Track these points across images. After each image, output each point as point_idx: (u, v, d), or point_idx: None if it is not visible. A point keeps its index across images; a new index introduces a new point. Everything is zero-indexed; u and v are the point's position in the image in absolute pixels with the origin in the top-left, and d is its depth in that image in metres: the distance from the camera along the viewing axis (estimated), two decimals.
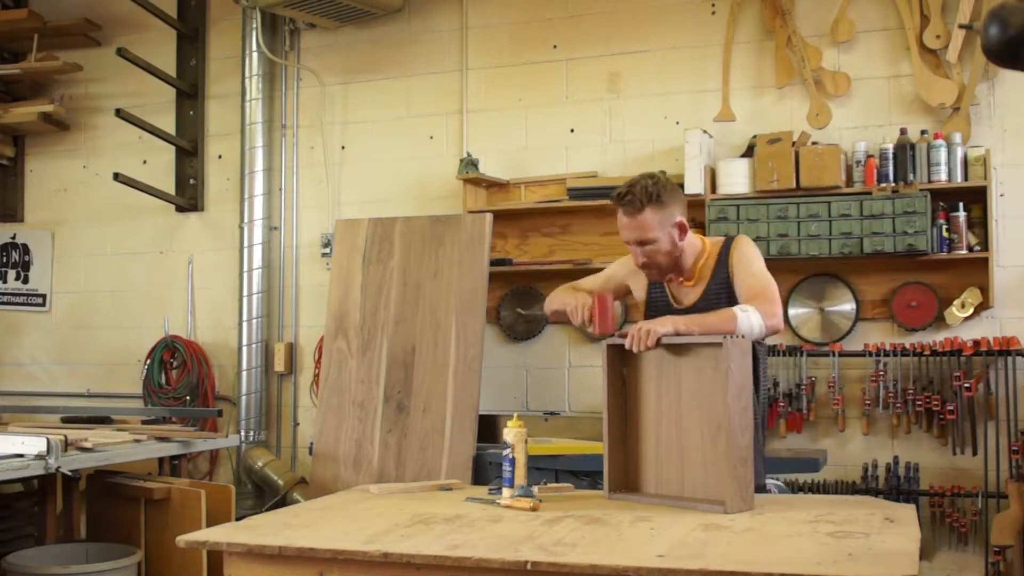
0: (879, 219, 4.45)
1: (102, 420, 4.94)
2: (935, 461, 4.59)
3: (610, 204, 2.97)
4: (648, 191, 2.88)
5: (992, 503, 4.41)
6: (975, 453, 4.47)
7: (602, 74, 5.22)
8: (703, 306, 2.94)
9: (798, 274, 4.77)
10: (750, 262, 2.94)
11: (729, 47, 4.98)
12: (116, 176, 5.58)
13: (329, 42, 5.73)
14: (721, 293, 2.95)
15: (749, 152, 4.78)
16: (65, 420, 4.99)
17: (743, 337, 2.60)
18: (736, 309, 2.75)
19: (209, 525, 3.67)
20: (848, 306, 4.76)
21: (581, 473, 4.25)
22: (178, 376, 5.82)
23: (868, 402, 4.63)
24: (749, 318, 2.72)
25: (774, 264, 3.03)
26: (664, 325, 2.65)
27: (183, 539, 2.38)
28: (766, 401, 3.11)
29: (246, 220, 5.70)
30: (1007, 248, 4.56)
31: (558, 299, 3.18)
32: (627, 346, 2.68)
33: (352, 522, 2.51)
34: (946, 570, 4.53)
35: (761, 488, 2.99)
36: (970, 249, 4.49)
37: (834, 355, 4.68)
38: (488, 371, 5.00)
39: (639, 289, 3.15)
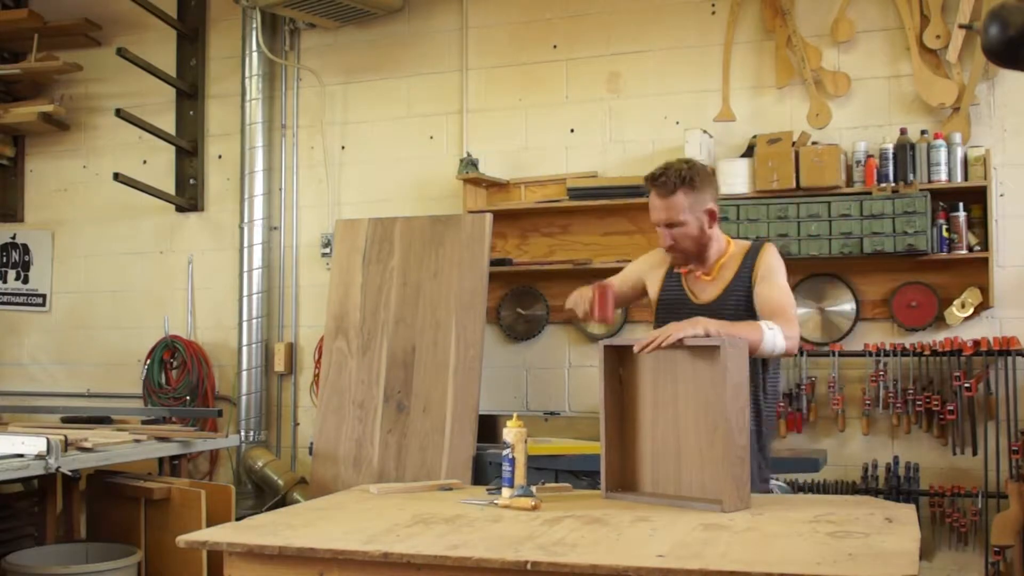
0: (879, 219, 4.45)
1: (102, 420, 4.94)
2: (935, 461, 4.59)
3: (643, 185, 3.00)
4: (682, 174, 2.91)
5: (992, 503, 4.41)
6: (975, 453, 4.47)
7: (602, 74, 5.22)
8: (719, 304, 2.94)
9: (798, 274, 4.77)
10: (776, 274, 2.95)
11: (729, 47, 4.98)
12: (116, 176, 5.58)
13: (329, 42, 5.73)
14: (740, 295, 2.95)
15: (749, 152, 4.78)
16: (65, 420, 4.99)
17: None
18: (763, 324, 2.75)
19: (209, 525, 3.67)
20: (848, 306, 4.76)
21: (581, 473, 4.25)
22: (178, 376, 5.82)
23: (868, 402, 4.63)
24: (775, 337, 2.74)
25: None
26: (696, 327, 2.62)
27: (183, 539, 2.38)
28: (774, 401, 3.09)
29: (246, 220, 5.70)
30: (1007, 248, 4.56)
31: (571, 298, 3.19)
32: (649, 349, 2.63)
33: (352, 522, 2.51)
34: (946, 570, 4.53)
35: (765, 487, 3.00)
36: (970, 249, 4.49)
37: (834, 355, 4.68)
38: (488, 371, 5.00)
39: (653, 284, 3.14)
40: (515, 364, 5.29)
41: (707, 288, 3.02)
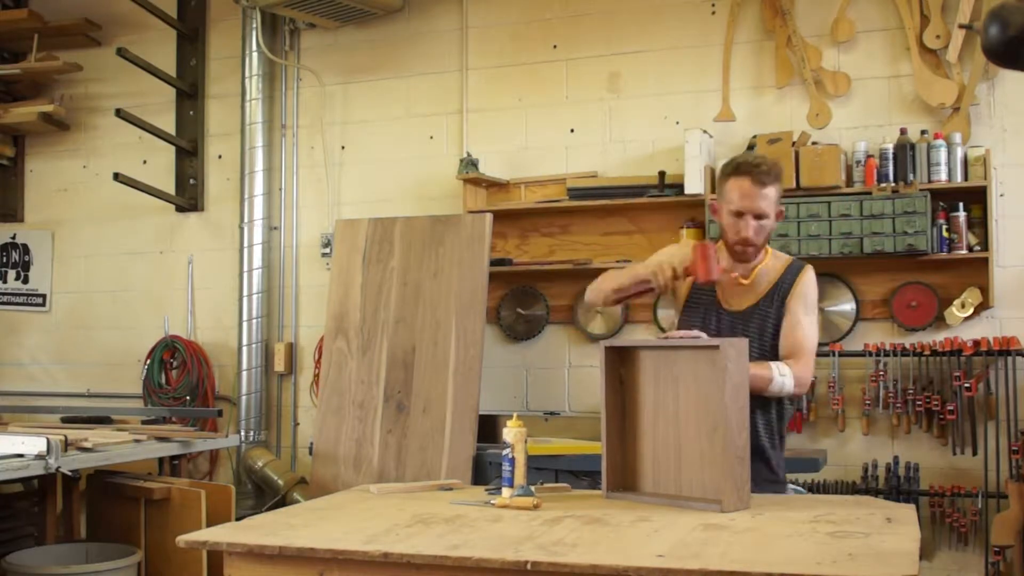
0: (879, 219, 4.45)
1: (102, 420, 4.95)
2: (935, 461, 4.59)
3: (729, 169, 2.90)
4: (778, 167, 2.91)
5: (992, 503, 4.41)
6: (975, 453, 4.47)
7: (602, 74, 5.22)
8: (746, 316, 2.93)
9: None
10: (808, 306, 2.92)
11: (729, 47, 4.98)
12: (116, 176, 5.58)
13: (329, 42, 5.73)
14: (769, 312, 2.92)
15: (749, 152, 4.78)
16: (65, 420, 4.99)
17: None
18: (775, 373, 2.78)
19: (209, 525, 3.67)
20: (848, 306, 4.76)
21: (581, 473, 4.25)
22: (178, 376, 5.82)
23: (868, 402, 4.63)
24: (783, 384, 2.78)
25: None
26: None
27: (183, 539, 2.38)
28: (791, 407, 3.07)
29: (246, 220, 5.70)
30: (1007, 248, 4.56)
31: (613, 279, 3.04)
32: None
33: (352, 522, 2.51)
34: (946, 570, 4.53)
35: (782, 488, 3.00)
36: (970, 249, 4.49)
37: (834, 355, 4.68)
38: (488, 371, 5.00)
39: (683, 282, 3.03)
40: (515, 364, 5.29)
41: (740, 296, 2.96)
